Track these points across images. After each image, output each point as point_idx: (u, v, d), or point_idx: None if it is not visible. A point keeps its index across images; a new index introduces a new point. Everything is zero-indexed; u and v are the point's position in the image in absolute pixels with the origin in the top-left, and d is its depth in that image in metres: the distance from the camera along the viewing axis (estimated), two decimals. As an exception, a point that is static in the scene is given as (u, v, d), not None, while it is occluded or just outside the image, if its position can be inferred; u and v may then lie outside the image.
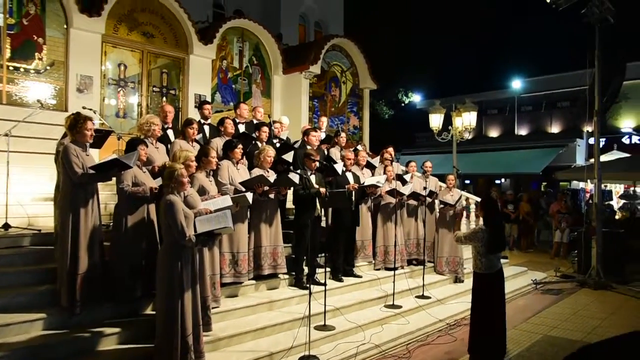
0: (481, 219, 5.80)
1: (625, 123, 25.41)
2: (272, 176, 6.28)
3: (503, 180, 26.54)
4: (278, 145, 7.67)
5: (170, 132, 6.71)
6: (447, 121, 12.68)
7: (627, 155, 18.47)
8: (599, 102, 9.35)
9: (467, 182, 27.15)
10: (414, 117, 27.93)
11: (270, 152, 6.45)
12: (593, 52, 9.60)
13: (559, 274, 10.39)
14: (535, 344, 6.15)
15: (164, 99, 10.19)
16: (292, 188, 6.57)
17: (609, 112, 25.49)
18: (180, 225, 4.14)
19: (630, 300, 8.47)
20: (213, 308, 5.15)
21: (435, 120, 12.21)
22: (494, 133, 28.50)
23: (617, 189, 19.29)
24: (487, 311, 5.38)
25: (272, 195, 6.26)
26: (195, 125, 6.36)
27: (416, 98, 29.61)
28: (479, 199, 9.12)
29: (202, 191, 5.26)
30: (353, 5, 19.04)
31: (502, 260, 10.21)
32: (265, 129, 7.33)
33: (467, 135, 12.35)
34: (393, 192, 7.60)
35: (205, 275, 4.90)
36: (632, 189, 16.85)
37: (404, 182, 7.94)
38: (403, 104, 29.54)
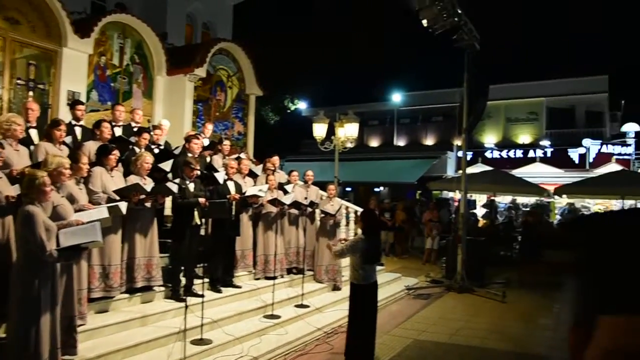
0: (360, 229, 6.03)
1: (488, 139, 27.95)
2: (149, 184, 5.99)
3: (382, 188, 27.86)
4: (157, 151, 7.36)
5: (33, 133, 6.13)
6: (331, 130, 13.01)
7: (490, 168, 20.33)
8: (467, 119, 10.19)
9: (349, 189, 28.11)
10: (301, 124, 28.34)
11: (148, 159, 6.15)
12: (462, 74, 10.45)
13: (429, 279, 11.10)
14: (406, 349, 6.49)
15: (31, 93, 9.30)
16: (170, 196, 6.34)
17: (475, 129, 27.88)
18: (39, 239, 3.78)
19: (488, 302, 9.28)
20: (79, 326, 4.78)
21: (319, 130, 12.47)
22: (374, 143, 29.88)
23: (481, 198, 21.11)
24: (361, 321, 5.59)
25: (148, 204, 5.97)
26: (62, 127, 5.84)
27: (302, 105, 30.13)
28: (359, 209, 9.46)
29: (70, 200, 4.86)
30: (243, 10, 18.87)
31: (378, 268, 10.74)
32: (147, 135, 7.01)
33: (350, 145, 12.77)
34: (274, 202, 7.63)
35: (72, 293, 4.53)
36: (492, 198, 18.52)
37: (285, 192, 8.01)
38: (289, 111, 29.90)
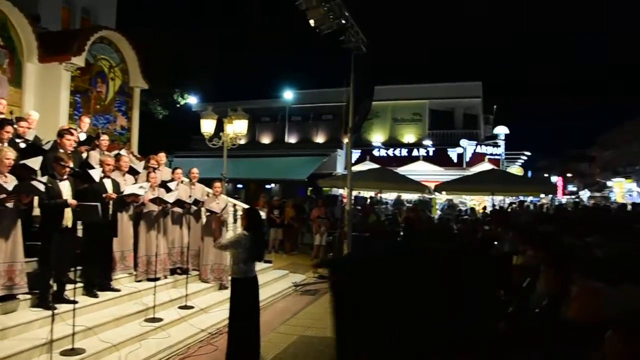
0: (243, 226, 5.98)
1: (376, 138, 29.11)
2: (10, 182, 5.45)
3: (273, 185, 27.93)
4: (23, 146, 6.73)
5: None
6: (221, 127, 12.74)
7: (377, 166, 21.17)
8: (352, 119, 10.49)
9: (240, 186, 27.85)
10: (191, 119, 27.53)
11: (10, 154, 5.59)
12: (349, 74, 10.73)
13: (317, 275, 11.28)
14: (290, 345, 6.54)
15: None
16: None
17: (363, 128, 28.89)
18: None
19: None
20: None
21: (207, 126, 12.17)
22: (266, 140, 29.87)
23: (369, 195, 21.91)
24: (243, 316, 5.54)
25: (10, 205, 5.43)
26: None
27: (193, 100, 29.28)
28: (245, 206, 9.37)
29: None
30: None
31: (266, 265, 10.74)
32: (9, 128, 6.37)
33: (240, 141, 12.62)
34: (156, 200, 7.32)
35: None
36: (379, 195, 19.31)
37: (168, 190, 7.71)
38: (179, 105, 28.92)
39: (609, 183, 52.64)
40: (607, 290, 2.99)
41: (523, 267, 5.64)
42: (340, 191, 23.35)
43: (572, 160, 73.17)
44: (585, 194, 51.33)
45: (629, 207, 17.87)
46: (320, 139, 28.81)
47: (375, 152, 27.80)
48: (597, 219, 11.90)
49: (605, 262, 5.09)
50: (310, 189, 25.97)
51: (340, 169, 25.79)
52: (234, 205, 9.92)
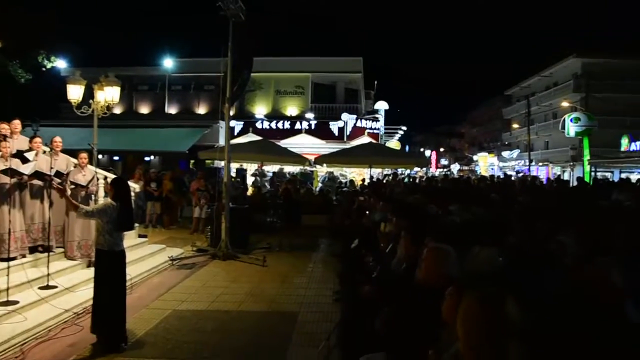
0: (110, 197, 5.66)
1: (259, 110, 28.93)
2: None
3: (152, 157, 26.74)
4: None
5: None
6: (92, 94, 11.82)
7: (260, 138, 21.10)
8: (230, 89, 10.29)
9: (116, 158, 26.32)
10: (59, 85, 25.26)
11: None
12: (227, 43, 10.45)
13: (195, 249, 11.09)
14: (163, 320, 6.38)
15: None
16: None
17: (246, 99, 28.55)
18: None
19: (250, 267, 9.70)
20: None
21: (74, 92, 11.22)
22: (144, 109, 28.39)
23: (251, 168, 21.83)
24: (109, 291, 5.30)
25: None
26: None
27: (61, 64, 26.83)
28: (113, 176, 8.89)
29: None
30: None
31: (141, 239, 10.33)
32: None
33: (114, 110, 11.84)
34: (8, 172, 6.65)
35: None
36: (261, 168, 19.31)
37: (24, 160, 7.04)
38: (45, 69, 26.36)
39: (475, 157, 57.46)
40: (451, 252, 3.27)
41: (389, 235, 5.99)
42: (222, 164, 23.01)
43: (444, 136, 78.65)
44: (455, 167, 55.59)
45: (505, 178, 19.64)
46: (202, 109, 28.00)
47: (259, 125, 27.66)
48: (460, 190, 12.93)
49: (456, 227, 5.58)
50: (192, 161, 25.26)
51: (222, 141, 25.25)
52: (105, 177, 9.35)
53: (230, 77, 10.29)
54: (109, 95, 11.40)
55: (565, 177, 20.43)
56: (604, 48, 33.63)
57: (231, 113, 11.40)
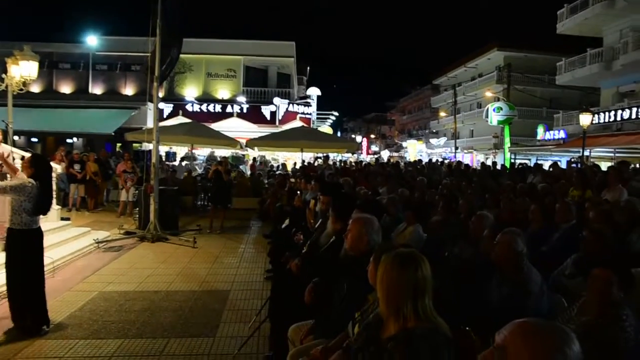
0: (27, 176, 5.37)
1: (189, 92, 28.29)
2: None
3: (75, 139, 25.50)
4: None
5: None
6: (4, 69, 11.11)
7: (190, 120, 20.66)
8: (159, 68, 10.01)
9: (35, 140, 24.92)
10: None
11: None
12: (156, 20, 10.13)
13: (122, 232, 10.78)
14: (89, 302, 6.20)
15: None
16: None
17: (175, 81, 27.82)
18: None
19: (180, 248, 9.58)
20: None
21: (-15, 66, 10.54)
22: (66, 89, 26.92)
23: (181, 151, 21.39)
24: (27, 271, 5.07)
25: None
26: None
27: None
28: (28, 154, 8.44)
29: None
30: None
31: (64, 222, 9.92)
32: None
33: (33, 88, 11.20)
34: None
35: None
36: (192, 151, 18.94)
37: None
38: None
39: (404, 144, 59.09)
40: (375, 221, 3.44)
41: (319, 212, 6.15)
42: (151, 146, 22.36)
43: (375, 123, 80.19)
44: (385, 154, 56.88)
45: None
46: (129, 90, 26.93)
47: (189, 107, 27.07)
48: (388, 173, 13.34)
49: (374, 202, 5.85)
50: (119, 144, 24.38)
51: (150, 123, 24.55)
52: (22, 157, 8.86)
53: (159, 55, 10.01)
54: (25, 70, 10.77)
55: (489, 163, 21.65)
56: (525, 43, 35.37)
57: (160, 94, 11.12)
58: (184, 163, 19.66)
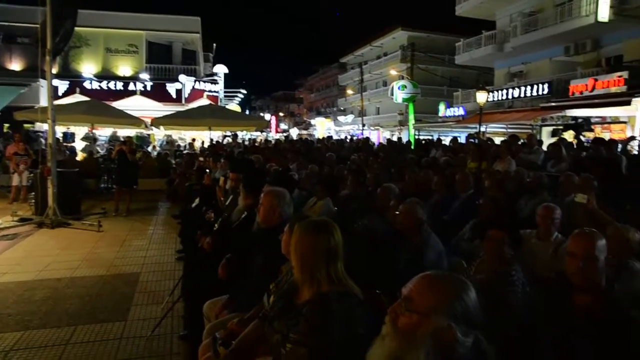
0: None
1: (87, 68, 26.57)
2: None
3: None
4: None
5: None
6: None
7: (88, 99, 19.42)
8: (52, 42, 9.29)
9: None
10: None
11: None
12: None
13: (16, 218, 10.03)
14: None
15: None
16: None
17: (70, 56, 26.01)
18: None
19: (83, 233, 9.09)
20: None
21: None
22: (-59, 64, 24.20)
23: (80, 131, 20.07)
24: None
25: None
26: None
27: None
28: None
29: None
30: None
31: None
32: None
33: None
34: None
35: None
36: (92, 131, 17.88)
37: None
38: None
39: (313, 122, 59.64)
40: (286, 193, 3.49)
41: (229, 190, 6.12)
42: (45, 127, 20.80)
43: (284, 101, 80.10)
44: (295, 131, 57.14)
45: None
46: (16, 65, 24.73)
47: (87, 85, 25.45)
48: (298, 150, 13.48)
49: (284, 176, 5.95)
50: (7, 125, 22.42)
51: (44, 102, 22.79)
52: None
53: (50, 27, 9.27)
54: None
55: (394, 139, 22.58)
56: (427, 24, 36.75)
57: (54, 70, 10.35)
58: (83, 144, 18.50)
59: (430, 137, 24.26)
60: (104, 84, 25.83)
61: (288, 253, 2.54)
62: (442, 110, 29.98)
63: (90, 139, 18.09)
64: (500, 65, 25.95)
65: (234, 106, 34.56)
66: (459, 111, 27.95)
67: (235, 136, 20.10)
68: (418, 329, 1.50)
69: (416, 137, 25.82)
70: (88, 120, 15.99)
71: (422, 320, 1.50)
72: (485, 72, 29.09)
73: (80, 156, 16.49)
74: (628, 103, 15.12)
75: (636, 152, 11.36)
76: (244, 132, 29.07)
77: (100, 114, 15.93)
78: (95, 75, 26.35)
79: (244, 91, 38.50)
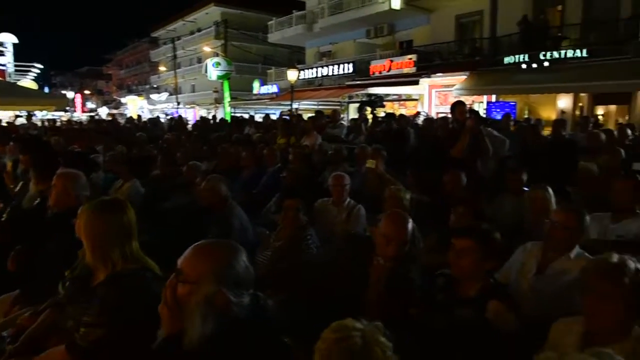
0: None
1: None
2: None
3: None
4: None
5: None
6: None
7: None
8: None
9: None
10: None
11: None
12: None
13: None
14: None
15: None
16: None
17: None
18: None
19: None
20: None
21: None
22: None
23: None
24: None
25: None
26: None
27: None
28: None
29: None
30: None
31: None
32: None
33: None
34: None
35: None
36: None
37: None
38: None
39: (123, 100, 55.89)
40: (81, 175, 3.30)
41: (20, 174, 5.54)
42: None
43: (90, 78, 73.47)
44: (104, 111, 52.93)
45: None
46: None
47: None
48: (105, 130, 12.63)
49: (81, 158, 5.61)
50: None
51: None
52: None
53: None
54: None
55: (210, 117, 22.29)
56: (241, 0, 36.57)
57: None
58: None
59: (245, 115, 24.56)
60: None
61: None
62: (257, 87, 30.40)
63: None
64: (310, 45, 27.15)
65: (28, 82, 30.70)
66: (272, 89, 28.60)
67: (30, 116, 17.94)
68: (191, 298, 1.56)
69: (232, 114, 25.89)
70: None
71: (194, 289, 1.57)
72: (297, 51, 30.17)
73: None
74: (417, 83, 17.18)
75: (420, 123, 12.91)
76: (44, 112, 26.08)
77: None
78: None
79: (40, 66, 34.44)
